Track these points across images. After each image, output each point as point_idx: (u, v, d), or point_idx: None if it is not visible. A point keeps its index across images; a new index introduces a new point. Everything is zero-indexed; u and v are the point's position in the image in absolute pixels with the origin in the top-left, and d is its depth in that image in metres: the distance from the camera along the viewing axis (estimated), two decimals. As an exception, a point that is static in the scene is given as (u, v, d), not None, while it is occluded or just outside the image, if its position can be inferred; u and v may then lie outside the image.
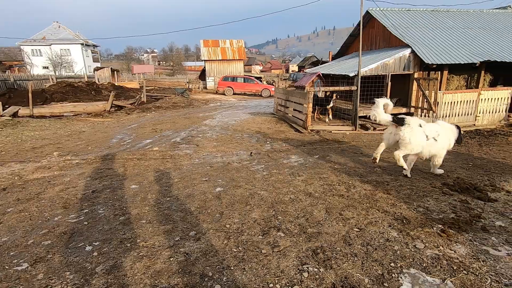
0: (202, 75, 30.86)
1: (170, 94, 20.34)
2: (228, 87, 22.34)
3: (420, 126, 4.44)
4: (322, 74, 10.52)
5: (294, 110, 9.38)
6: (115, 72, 32.32)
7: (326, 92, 9.49)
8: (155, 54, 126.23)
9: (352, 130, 8.39)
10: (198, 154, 6.23)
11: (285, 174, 4.91)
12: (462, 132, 4.85)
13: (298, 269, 2.50)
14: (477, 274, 2.42)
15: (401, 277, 2.41)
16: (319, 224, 3.24)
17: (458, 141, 4.71)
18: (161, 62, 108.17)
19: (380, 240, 2.92)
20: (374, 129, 8.54)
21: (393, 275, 2.43)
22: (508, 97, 9.23)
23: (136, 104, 14.97)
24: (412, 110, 8.72)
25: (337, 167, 5.28)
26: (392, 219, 3.34)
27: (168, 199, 3.97)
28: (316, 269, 2.49)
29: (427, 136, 4.41)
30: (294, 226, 3.21)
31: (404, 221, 3.29)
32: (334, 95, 9.06)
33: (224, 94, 22.17)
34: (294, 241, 2.92)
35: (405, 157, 4.57)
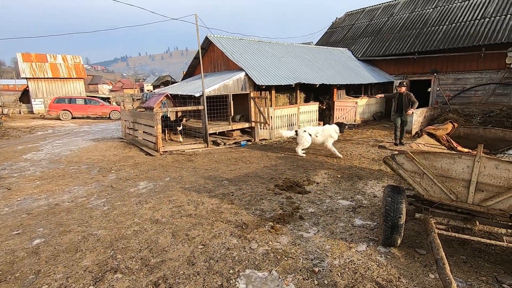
0: (25, 96, 24.55)
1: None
2: (65, 110, 18.69)
3: (305, 131, 7.43)
4: (171, 94, 10.52)
5: (144, 132, 8.87)
6: None
7: (177, 113, 9.53)
8: None
9: (204, 147, 8.76)
10: (8, 201, 4.78)
11: (131, 204, 4.49)
12: (346, 125, 7.75)
13: (136, 310, 2.28)
14: (293, 257, 2.96)
15: (238, 281, 2.62)
16: (163, 252, 3.11)
17: (341, 131, 7.41)
18: (-47, 80, 78.21)
19: (221, 251, 3.09)
20: (225, 144, 9.25)
21: (231, 281, 2.61)
22: (316, 110, 12.21)
23: None
24: (253, 124, 10.05)
25: (187, 186, 5.31)
26: (233, 227, 3.64)
27: None
28: (156, 303, 2.35)
29: (310, 135, 7.39)
30: (136, 262, 2.94)
31: (244, 227, 3.65)
32: (184, 119, 9.23)
33: (60, 119, 18.39)
34: (134, 279, 2.66)
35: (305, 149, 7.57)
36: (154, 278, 2.66)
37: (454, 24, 13.02)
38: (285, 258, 2.93)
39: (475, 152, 2.60)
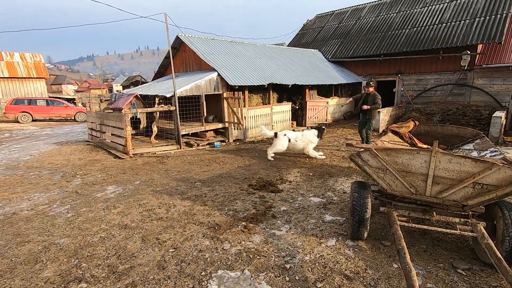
0: (-23, 98, 22.50)
1: None
2: (24, 112, 17.41)
3: (285, 134, 7.18)
4: (141, 94, 10.18)
5: (113, 134, 8.51)
6: None
7: (147, 114, 9.22)
8: None
9: (177, 149, 8.58)
10: (-42, 211, 4.36)
11: (98, 210, 4.29)
12: (324, 129, 7.65)
13: (102, 319, 2.18)
14: (266, 255, 2.99)
15: (210, 283, 2.60)
16: (132, 257, 3.01)
17: (319, 136, 7.29)
18: None
19: (193, 253, 3.05)
20: (198, 145, 9.12)
21: (203, 283, 2.58)
22: (289, 110, 12.42)
23: None
24: (227, 125, 10.01)
25: (159, 189, 5.17)
26: (206, 229, 3.60)
27: None
28: (124, 311, 2.27)
29: (289, 140, 7.12)
30: (102, 269, 2.81)
31: (216, 228, 3.62)
32: (155, 122, 8.91)
33: (18, 122, 17.11)
34: (100, 288, 2.55)
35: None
36: (122, 286, 2.56)
37: (415, 28, 13.85)
38: (258, 257, 2.95)
39: (425, 146, 2.79)
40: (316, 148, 7.50)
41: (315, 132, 7.31)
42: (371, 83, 7.78)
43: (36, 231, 3.66)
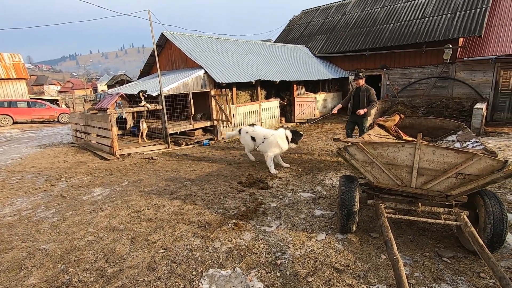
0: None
1: None
2: (4, 114, 16.80)
3: (247, 132, 6.28)
4: (127, 94, 9.98)
5: (98, 135, 8.32)
6: None
7: (134, 113, 9.06)
8: None
9: (165, 148, 8.47)
10: None
11: (84, 213, 4.19)
12: (301, 136, 5.95)
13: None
14: (257, 252, 2.99)
15: (201, 282, 2.58)
16: (121, 260, 2.96)
17: (293, 141, 5.82)
18: None
19: (184, 253, 3.03)
20: (187, 144, 9.03)
21: (194, 283, 2.57)
22: (278, 106, 12.44)
23: None
24: (215, 122, 9.95)
25: (147, 189, 5.10)
26: (196, 228, 3.58)
27: None
28: (113, 315, 2.23)
29: (253, 138, 6.17)
30: (90, 274, 2.76)
31: (207, 226, 3.61)
32: (143, 120, 8.76)
33: (-2, 125, 16.51)
34: (88, 292, 2.50)
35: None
36: (111, 289, 2.52)
37: (399, 23, 14.07)
38: (249, 254, 2.96)
39: (410, 139, 2.85)
40: (304, 142, 7.42)
41: (288, 134, 5.75)
42: (360, 74, 6.29)
43: (20, 238, 3.55)
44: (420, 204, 2.92)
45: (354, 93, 6.43)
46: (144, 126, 8.66)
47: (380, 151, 2.99)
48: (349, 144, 3.19)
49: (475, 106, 9.86)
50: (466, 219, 2.70)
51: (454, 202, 2.89)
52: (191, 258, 2.92)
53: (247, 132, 6.21)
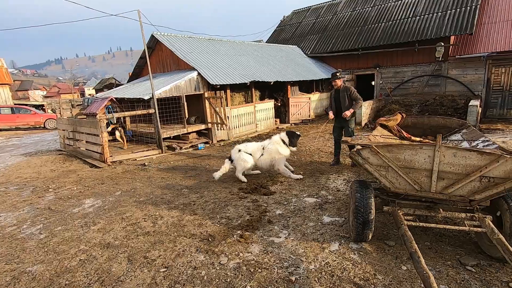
0: None
1: None
2: (-14, 122, 16.10)
3: (239, 150, 5.41)
4: (117, 98, 9.60)
5: (87, 142, 7.93)
6: None
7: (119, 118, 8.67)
8: None
9: (159, 154, 8.14)
10: None
11: (75, 228, 3.87)
12: (298, 136, 5.53)
13: None
14: (267, 268, 2.76)
15: (209, 305, 2.33)
16: (118, 282, 2.67)
17: (291, 144, 5.41)
18: None
19: (188, 272, 2.77)
20: (181, 148, 8.72)
21: (202, 307, 2.32)
22: (272, 107, 12.24)
23: None
24: (210, 125, 9.66)
25: (143, 199, 4.80)
26: (199, 241, 3.31)
27: None
28: None
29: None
30: (84, 300, 2.47)
31: (210, 239, 3.35)
32: (118, 128, 8.44)
33: (-20, 133, 15.78)
34: (82, 324, 2.21)
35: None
36: (109, 318, 2.24)
37: (391, 22, 14.09)
38: (259, 270, 2.72)
39: (426, 141, 2.67)
40: (301, 143, 7.24)
41: (283, 137, 5.37)
42: (337, 74, 5.76)
43: (3, 259, 3.21)
44: (441, 209, 2.74)
45: (334, 96, 5.93)
46: (117, 134, 8.38)
47: (396, 154, 2.80)
48: (361, 147, 2.99)
49: (470, 104, 9.88)
50: (492, 225, 2.53)
51: (478, 207, 2.72)
52: (196, 277, 2.66)
53: (239, 150, 5.42)
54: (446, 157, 2.62)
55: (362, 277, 2.55)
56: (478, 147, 3.84)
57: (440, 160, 2.63)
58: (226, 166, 5.44)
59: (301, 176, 5.40)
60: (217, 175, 5.37)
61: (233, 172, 6.06)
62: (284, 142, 5.37)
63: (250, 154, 5.41)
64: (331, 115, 5.96)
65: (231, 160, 5.46)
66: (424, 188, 2.75)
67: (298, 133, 5.59)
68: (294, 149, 5.56)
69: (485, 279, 2.49)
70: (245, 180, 5.38)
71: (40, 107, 22.45)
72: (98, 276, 2.78)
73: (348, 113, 5.60)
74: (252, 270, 2.72)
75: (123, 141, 8.42)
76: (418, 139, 4.72)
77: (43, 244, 3.49)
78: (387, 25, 14.04)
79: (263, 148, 5.44)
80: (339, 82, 5.76)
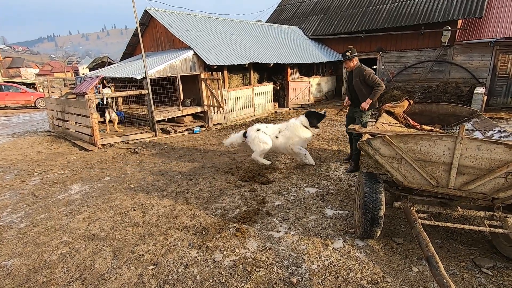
0: None
1: None
2: (-27, 100, 15.49)
3: (258, 130, 4.99)
4: (109, 77, 9.11)
5: (77, 123, 7.55)
6: None
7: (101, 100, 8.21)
8: None
9: (152, 137, 7.80)
10: None
11: (59, 217, 3.60)
12: (323, 117, 5.11)
13: None
14: (266, 266, 2.52)
15: (201, 310, 2.10)
16: (102, 280, 2.43)
17: (313, 125, 5.00)
18: None
19: (179, 270, 2.52)
20: (176, 131, 8.38)
21: (194, 312, 2.08)
22: (271, 90, 11.81)
23: None
24: (206, 108, 9.28)
25: (133, 186, 4.52)
26: (192, 235, 3.06)
27: None
28: None
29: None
30: (62, 301, 2.23)
31: (204, 232, 3.10)
32: (109, 109, 7.95)
33: (-33, 111, 15.21)
34: (58, 330, 1.97)
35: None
36: (88, 324, 2.01)
37: (396, 3, 13.46)
38: (257, 269, 2.48)
39: (437, 130, 2.38)
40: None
41: (303, 120, 4.91)
42: (348, 53, 4.62)
43: (-22, 250, 2.95)
44: (459, 207, 2.49)
45: (348, 80, 4.97)
46: (113, 115, 7.92)
47: (411, 145, 2.51)
48: (370, 137, 2.70)
49: (475, 91, 9.58)
50: (515, 226, 2.29)
51: (500, 205, 2.48)
52: (187, 277, 2.43)
53: (258, 130, 4.95)
54: (468, 150, 2.34)
55: (370, 279, 2.33)
56: (494, 138, 3.57)
57: (461, 153, 2.36)
58: (237, 138, 5.20)
59: (313, 163, 5.11)
60: (226, 142, 5.31)
61: (230, 158, 5.78)
62: (302, 125, 4.93)
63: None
64: (346, 100, 5.10)
65: (245, 136, 5.11)
66: (441, 183, 2.49)
67: (322, 112, 5.06)
68: (316, 131, 5.12)
69: (503, 284, 2.28)
70: (268, 162, 5.05)
71: (31, 85, 21.70)
72: (80, 273, 2.53)
73: (365, 105, 4.58)
74: (249, 269, 2.49)
75: (114, 125, 8.03)
76: (428, 128, 4.44)
77: (23, 235, 3.22)
78: (393, 7, 13.43)
79: (279, 132, 5.03)
80: (351, 64, 4.68)
